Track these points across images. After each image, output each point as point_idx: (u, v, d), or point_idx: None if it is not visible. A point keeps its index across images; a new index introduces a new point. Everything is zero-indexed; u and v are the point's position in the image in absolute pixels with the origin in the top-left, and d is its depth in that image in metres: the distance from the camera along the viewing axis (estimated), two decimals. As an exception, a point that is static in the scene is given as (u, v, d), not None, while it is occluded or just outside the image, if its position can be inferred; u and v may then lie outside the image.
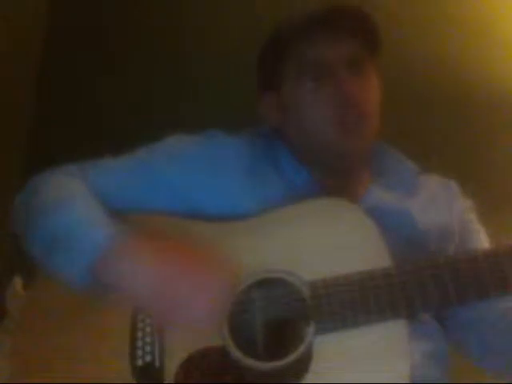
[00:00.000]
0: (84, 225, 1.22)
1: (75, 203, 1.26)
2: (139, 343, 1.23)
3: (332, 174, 1.40)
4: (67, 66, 2.33)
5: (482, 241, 1.44)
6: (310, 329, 1.20)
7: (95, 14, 2.36)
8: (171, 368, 1.21)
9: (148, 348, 1.22)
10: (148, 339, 1.23)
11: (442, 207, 1.43)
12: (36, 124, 2.32)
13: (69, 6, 2.35)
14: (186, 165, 1.39)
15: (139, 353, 1.22)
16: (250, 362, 1.19)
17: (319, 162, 1.40)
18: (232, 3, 2.31)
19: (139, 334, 1.23)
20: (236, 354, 1.19)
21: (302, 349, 1.19)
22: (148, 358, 1.21)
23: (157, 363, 1.21)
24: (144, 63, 2.33)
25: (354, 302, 1.20)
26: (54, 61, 2.35)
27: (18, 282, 1.33)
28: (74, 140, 2.23)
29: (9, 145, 2.19)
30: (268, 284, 1.24)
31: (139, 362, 1.21)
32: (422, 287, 1.20)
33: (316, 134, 1.37)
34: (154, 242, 1.18)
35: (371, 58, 1.41)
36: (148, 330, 1.23)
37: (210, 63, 2.29)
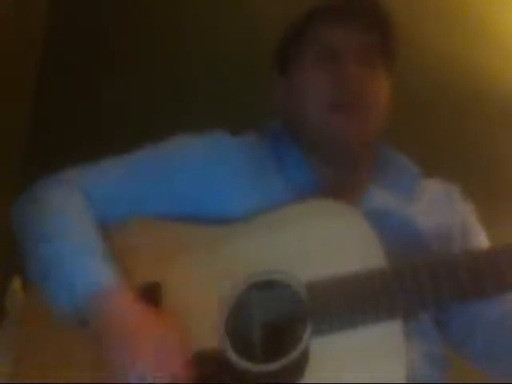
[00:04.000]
0: (76, 265, 1.23)
1: (69, 236, 1.27)
2: None
3: (332, 166, 1.39)
4: (67, 66, 2.33)
5: (484, 245, 1.42)
6: (307, 330, 1.20)
7: (95, 13, 2.36)
8: None
9: None
10: None
11: (444, 211, 1.42)
12: (36, 124, 2.32)
13: (69, 6, 2.36)
14: (188, 165, 1.38)
15: None
16: (246, 364, 1.19)
17: (318, 149, 1.39)
18: (232, 3, 2.31)
19: None
20: (233, 356, 1.20)
21: (298, 350, 1.19)
22: None
23: None
24: (144, 63, 2.33)
25: (350, 302, 1.20)
26: (53, 61, 2.35)
27: (17, 282, 1.33)
28: (74, 140, 2.24)
29: (9, 145, 2.19)
30: (265, 286, 1.24)
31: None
32: (418, 286, 1.20)
33: (312, 113, 1.37)
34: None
35: (384, 55, 1.40)
36: None
37: (209, 63, 2.29)
